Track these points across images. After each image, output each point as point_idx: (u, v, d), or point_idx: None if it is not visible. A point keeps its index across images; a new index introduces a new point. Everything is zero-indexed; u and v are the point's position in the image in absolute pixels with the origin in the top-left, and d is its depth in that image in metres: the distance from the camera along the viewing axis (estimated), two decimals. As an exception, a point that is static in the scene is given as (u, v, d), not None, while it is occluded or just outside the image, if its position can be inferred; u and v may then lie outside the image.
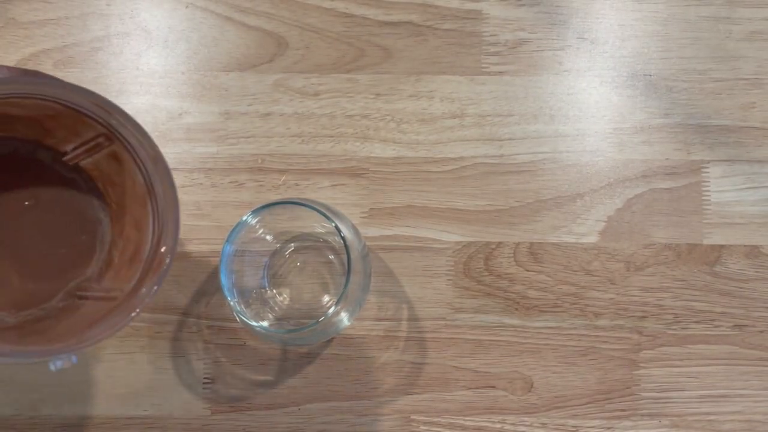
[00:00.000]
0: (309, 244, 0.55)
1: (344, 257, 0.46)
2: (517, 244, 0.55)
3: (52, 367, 0.36)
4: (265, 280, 0.54)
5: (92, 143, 0.42)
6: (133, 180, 0.42)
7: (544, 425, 0.53)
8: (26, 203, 0.44)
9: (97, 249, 0.44)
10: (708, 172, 0.56)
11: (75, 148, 0.43)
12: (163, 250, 0.40)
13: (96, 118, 0.40)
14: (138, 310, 0.40)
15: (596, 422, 0.53)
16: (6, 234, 0.43)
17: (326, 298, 0.54)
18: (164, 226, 0.41)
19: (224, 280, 0.48)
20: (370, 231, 0.55)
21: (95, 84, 0.57)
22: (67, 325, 0.42)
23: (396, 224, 0.55)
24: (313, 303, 0.54)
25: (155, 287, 0.40)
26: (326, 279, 0.55)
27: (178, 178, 0.46)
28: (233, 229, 0.48)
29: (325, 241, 0.55)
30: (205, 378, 0.54)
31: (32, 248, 0.44)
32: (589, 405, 0.53)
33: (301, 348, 0.54)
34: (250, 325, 0.47)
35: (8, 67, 0.38)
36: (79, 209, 0.44)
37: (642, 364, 0.54)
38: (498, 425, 0.53)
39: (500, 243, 0.55)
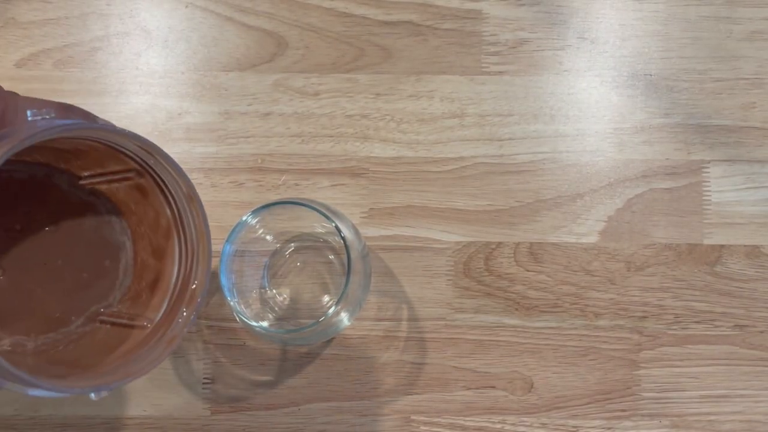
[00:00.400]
0: (309, 244, 0.55)
1: (344, 257, 0.46)
2: (517, 244, 0.55)
3: (94, 397, 0.36)
4: (265, 280, 0.54)
5: (119, 175, 0.42)
6: (156, 212, 0.42)
7: (544, 425, 0.53)
8: (47, 229, 0.43)
9: (120, 274, 0.44)
10: (708, 172, 0.56)
11: (92, 175, 0.43)
12: (194, 285, 0.41)
13: (134, 156, 0.40)
14: (178, 340, 0.40)
15: (596, 422, 0.53)
16: (27, 259, 0.43)
17: (326, 298, 0.54)
18: (195, 261, 0.41)
19: (224, 280, 0.48)
20: (370, 231, 0.55)
21: (95, 84, 0.57)
22: (94, 353, 0.41)
23: (396, 224, 0.55)
24: (313, 303, 0.54)
25: (193, 316, 0.40)
26: (326, 279, 0.55)
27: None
28: (233, 229, 0.48)
29: (325, 241, 0.55)
30: (204, 378, 0.54)
31: (54, 273, 0.43)
32: (589, 405, 0.53)
33: (301, 348, 0.54)
34: (250, 325, 0.47)
35: (68, 107, 0.37)
36: (99, 233, 0.44)
37: (642, 365, 0.54)
38: (498, 425, 0.53)
39: (500, 243, 0.55)
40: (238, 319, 0.48)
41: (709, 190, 0.55)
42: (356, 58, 0.57)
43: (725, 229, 0.55)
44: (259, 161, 0.56)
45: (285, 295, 0.54)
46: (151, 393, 0.54)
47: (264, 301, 0.54)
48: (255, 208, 0.48)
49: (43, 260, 0.43)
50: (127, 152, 0.40)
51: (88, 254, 0.43)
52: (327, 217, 0.46)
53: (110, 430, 0.54)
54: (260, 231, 0.53)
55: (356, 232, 0.49)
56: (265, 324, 0.52)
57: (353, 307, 0.50)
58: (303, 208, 0.47)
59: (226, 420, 0.53)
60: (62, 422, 0.53)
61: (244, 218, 0.48)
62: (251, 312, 0.53)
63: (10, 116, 0.34)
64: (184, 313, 0.41)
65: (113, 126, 0.37)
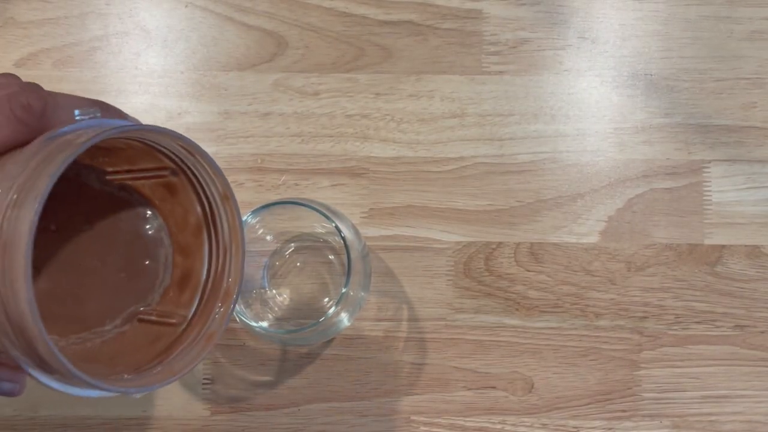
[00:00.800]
0: (309, 244, 0.55)
1: (344, 257, 0.46)
2: (518, 244, 0.55)
3: (137, 396, 0.37)
4: (265, 280, 0.54)
5: (150, 173, 0.42)
6: (184, 210, 0.42)
7: (544, 426, 0.53)
8: (82, 228, 0.42)
9: (160, 273, 0.43)
10: (709, 172, 0.55)
11: (117, 172, 0.42)
12: (229, 281, 0.41)
13: (172, 156, 0.40)
14: (218, 336, 0.40)
15: (597, 423, 0.53)
16: (64, 260, 0.42)
17: (326, 298, 0.54)
18: (229, 258, 0.41)
19: (224, 281, 0.47)
20: (370, 231, 0.55)
21: (94, 83, 0.57)
22: (127, 351, 0.41)
23: (396, 224, 0.55)
24: (313, 303, 0.54)
25: (230, 312, 0.41)
26: (326, 279, 0.54)
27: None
28: (233, 230, 0.48)
29: (325, 241, 0.55)
30: (204, 378, 0.54)
31: (91, 274, 0.42)
32: (589, 406, 0.53)
33: (301, 348, 0.54)
34: (250, 325, 0.47)
35: (105, 104, 0.37)
36: (137, 231, 0.43)
37: (643, 365, 0.54)
38: (498, 426, 0.53)
39: (500, 243, 0.55)
40: (237, 319, 0.48)
41: (709, 190, 0.55)
42: (356, 58, 0.57)
43: (726, 229, 0.55)
44: (259, 161, 0.56)
45: (285, 295, 0.54)
46: (151, 393, 0.54)
47: (264, 301, 0.54)
48: (255, 208, 0.47)
49: (79, 260, 0.42)
50: (166, 151, 0.39)
51: (126, 253, 0.43)
52: (327, 217, 0.46)
53: (110, 431, 0.53)
54: (260, 231, 0.53)
55: (356, 232, 0.49)
56: (265, 324, 0.52)
57: (353, 307, 0.50)
58: (303, 208, 0.47)
59: (225, 420, 0.53)
60: (62, 422, 0.53)
61: (243, 218, 0.47)
62: (251, 312, 0.53)
63: (50, 113, 0.34)
64: (221, 309, 0.41)
65: (168, 129, 0.37)
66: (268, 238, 0.54)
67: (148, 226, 0.43)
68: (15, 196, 0.30)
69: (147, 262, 0.43)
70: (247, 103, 0.56)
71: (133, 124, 0.35)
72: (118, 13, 0.58)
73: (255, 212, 0.48)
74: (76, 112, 0.35)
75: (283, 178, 0.56)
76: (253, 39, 0.57)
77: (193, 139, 0.38)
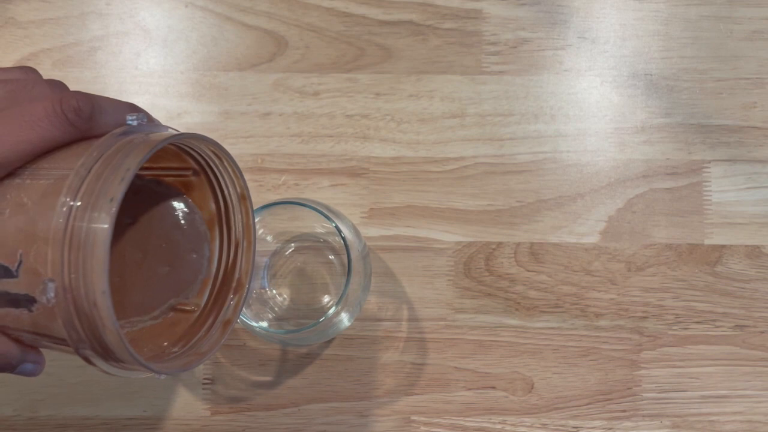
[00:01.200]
0: (309, 244, 0.55)
1: (344, 257, 0.46)
2: (518, 244, 0.55)
3: (162, 377, 0.39)
4: (265, 280, 0.54)
5: (171, 171, 0.43)
6: (198, 207, 0.44)
7: (544, 426, 0.53)
8: (125, 221, 0.43)
9: (203, 266, 0.45)
10: (709, 172, 0.55)
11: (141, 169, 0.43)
12: (241, 273, 0.44)
13: (198, 158, 0.42)
14: (233, 323, 0.42)
15: (597, 423, 0.53)
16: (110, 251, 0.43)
17: (326, 298, 0.54)
18: (241, 252, 0.44)
19: (224, 281, 0.48)
20: (370, 231, 0.55)
21: (94, 83, 0.57)
22: (148, 335, 0.43)
23: (396, 224, 0.55)
24: (313, 303, 0.54)
25: (243, 301, 0.43)
26: (326, 279, 0.54)
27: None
28: (233, 230, 0.48)
29: (325, 241, 0.55)
30: (204, 379, 0.54)
31: (134, 266, 0.43)
32: (589, 406, 0.53)
33: (301, 348, 0.54)
34: (250, 325, 0.47)
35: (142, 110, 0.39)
36: (178, 224, 0.44)
37: (643, 365, 0.54)
38: (498, 426, 0.53)
39: (501, 243, 0.55)
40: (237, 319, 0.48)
41: (709, 190, 0.55)
42: (356, 58, 0.57)
43: (726, 229, 0.55)
44: (259, 161, 0.56)
45: (285, 296, 0.54)
46: (151, 393, 0.54)
47: (264, 302, 0.54)
48: (255, 208, 0.47)
49: (123, 252, 0.43)
50: (195, 154, 0.41)
51: (169, 246, 0.44)
52: (327, 217, 0.46)
53: (110, 431, 0.53)
54: (260, 231, 0.53)
55: (356, 232, 0.49)
56: (264, 324, 0.52)
57: (353, 307, 0.49)
58: (303, 208, 0.47)
59: (225, 421, 0.53)
60: (62, 423, 0.53)
61: (244, 218, 0.48)
62: (251, 312, 0.53)
63: (96, 116, 0.35)
64: (235, 298, 0.43)
65: (207, 137, 0.39)
66: (268, 238, 0.54)
67: (192, 220, 0.45)
68: (83, 197, 0.33)
69: (194, 256, 0.45)
70: (247, 103, 0.56)
71: (187, 132, 0.38)
72: (118, 13, 0.58)
73: (255, 212, 0.47)
74: (128, 117, 0.37)
75: (283, 178, 0.56)
76: (253, 39, 0.57)
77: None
